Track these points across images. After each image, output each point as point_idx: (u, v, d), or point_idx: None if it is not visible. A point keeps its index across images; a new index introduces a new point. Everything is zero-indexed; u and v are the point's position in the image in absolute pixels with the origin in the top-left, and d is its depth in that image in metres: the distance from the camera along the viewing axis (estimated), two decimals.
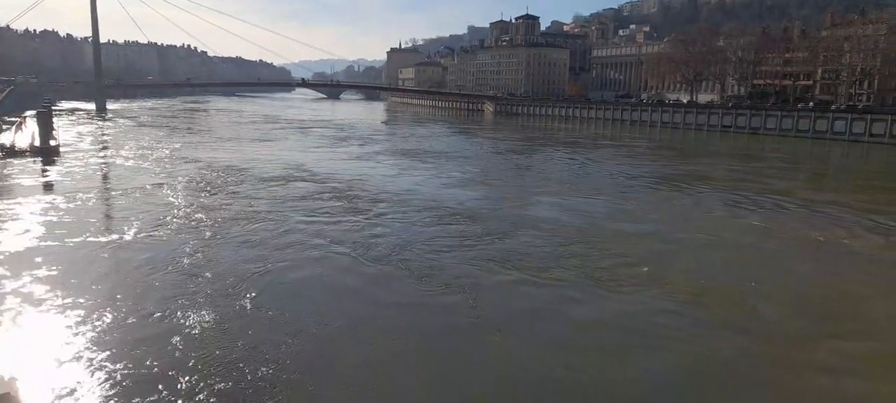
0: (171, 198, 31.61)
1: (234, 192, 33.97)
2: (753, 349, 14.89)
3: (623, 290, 18.79)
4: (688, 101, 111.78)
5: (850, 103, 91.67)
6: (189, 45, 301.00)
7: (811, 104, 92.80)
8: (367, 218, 27.68)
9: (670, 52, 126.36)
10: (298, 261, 20.86)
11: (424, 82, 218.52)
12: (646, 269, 20.79)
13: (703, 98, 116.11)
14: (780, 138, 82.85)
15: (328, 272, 19.93)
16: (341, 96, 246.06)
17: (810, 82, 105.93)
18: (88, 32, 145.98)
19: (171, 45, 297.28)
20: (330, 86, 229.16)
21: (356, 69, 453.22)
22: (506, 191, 38.57)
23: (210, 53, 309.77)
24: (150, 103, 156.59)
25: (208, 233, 24.44)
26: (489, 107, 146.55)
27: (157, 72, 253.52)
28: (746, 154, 68.33)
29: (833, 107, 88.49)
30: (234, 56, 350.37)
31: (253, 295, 17.39)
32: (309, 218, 27.38)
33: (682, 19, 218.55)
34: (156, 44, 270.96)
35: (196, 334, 14.85)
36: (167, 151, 53.77)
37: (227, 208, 29.52)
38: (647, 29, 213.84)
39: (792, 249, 24.78)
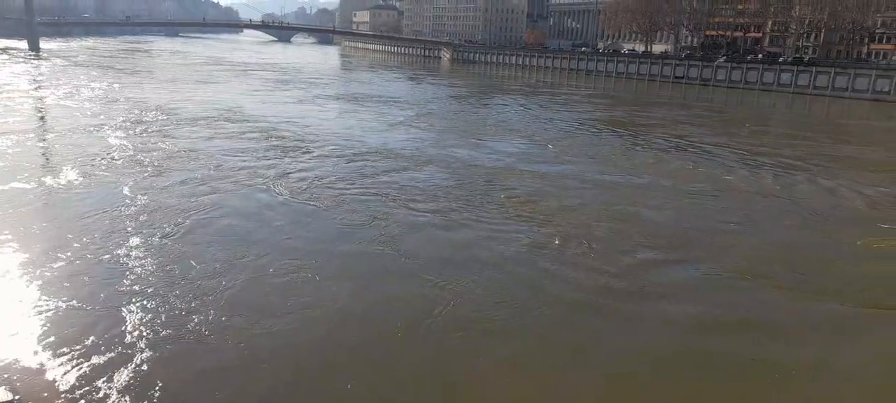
0: (109, 140, 30.97)
1: (171, 135, 33.44)
2: (576, 257, 17.69)
3: (497, 218, 20.96)
4: (643, 52, 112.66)
5: (798, 56, 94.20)
6: None
7: (760, 56, 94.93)
8: (296, 159, 28.57)
9: (627, 1, 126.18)
10: (228, 201, 21.38)
11: (380, 26, 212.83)
12: (530, 201, 23.01)
13: (658, 48, 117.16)
14: (728, 89, 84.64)
15: (252, 209, 20.72)
16: (292, 39, 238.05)
17: (760, 34, 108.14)
18: None
19: None
20: (280, 28, 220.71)
21: (308, 11, 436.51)
22: (436, 134, 39.22)
23: None
24: (87, 42, 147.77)
25: (146, 173, 24.50)
26: (446, 54, 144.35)
27: (93, 9, 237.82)
28: (680, 104, 70.03)
29: (780, 59, 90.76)
30: None
31: (185, 232, 17.99)
32: (243, 161, 27.72)
33: None
34: None
35: (137, 271, 14.97)
36: (106, 93, 51.68)
37: (163, 150, 29.28)
38: None
39: (661, 183, 27.48)
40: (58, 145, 29.78)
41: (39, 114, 39.89)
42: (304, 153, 29.95)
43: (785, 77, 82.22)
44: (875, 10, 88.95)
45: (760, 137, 45.58)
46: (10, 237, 16.63)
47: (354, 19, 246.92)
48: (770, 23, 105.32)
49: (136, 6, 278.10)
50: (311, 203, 21.59)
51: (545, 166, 30.03)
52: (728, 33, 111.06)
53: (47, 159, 27.26)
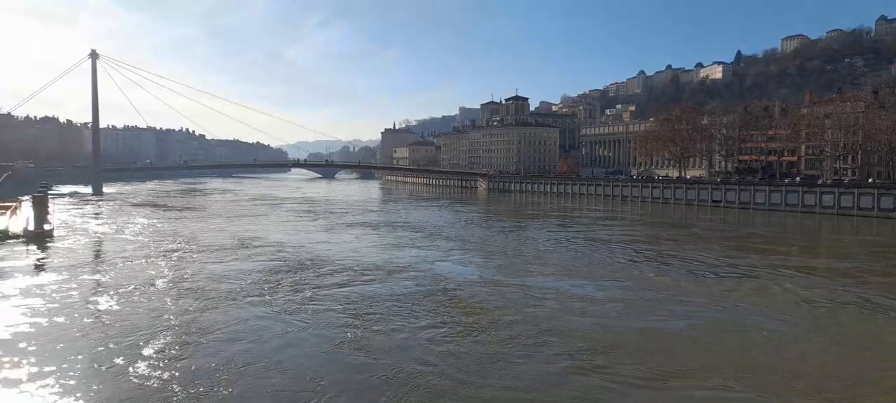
0: (151, 273, 33.57)
1: (203, 262, 37.11)
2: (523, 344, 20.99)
3: (441, 319, 24.08)
4: (677, 177, 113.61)
5: (837, 178, 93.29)
6: (187, 129, 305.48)
7: (798, 178, 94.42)
8: (296, 280, 31.84)
9: (656, 130, 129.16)
10: (232, 322, 23.45)
11: (418, 161, 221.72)
12: (473, 305, 26.23)
13: (692, 173, 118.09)
14: (769, 212, 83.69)
15: (256, 326, 23.26)
16: (336, 175, 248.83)
17: (795, 158, 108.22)
18: (89, 118, 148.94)
19: (169, 129, 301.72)
20: (324, 165, 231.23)
21: (351, 149, 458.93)
22: (437, 252, 42.20)
23: (208, 136, 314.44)
24: (148, 185, 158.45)
25: (182, 305, 26.09)
26: (482, 184, 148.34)
27: (154, 155, 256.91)
28: (712, 226, 69.19)
29: (820, 181, 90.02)
30: (231, 139, 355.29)
31: (188, 349, 20.10)
32: (258, 280, 31.55)
33: (665, 98, 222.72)
34: (155, 128, 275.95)
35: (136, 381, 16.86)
36: (154, 230, 55.45)
37: (196, 275, 32.29)
38: (632, 108, 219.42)
39: (615, 294, 29.36)
40: (107, 280, 31.50)
41: (94, 254, 42.20)
42: (309, 272, 34.07)
43: (827, 198, 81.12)
44: None
45: (759, 253, 44.96)
46: (50, 375, 17.44)
47: (395, 155, 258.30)
48: (804, 147, 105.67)
49: (194, 151, 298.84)
50: (299, 318, 24.11)
51: (520, 279, 32.55)
52: (761, 158, 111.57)
53: (94, 298, 28.11)
